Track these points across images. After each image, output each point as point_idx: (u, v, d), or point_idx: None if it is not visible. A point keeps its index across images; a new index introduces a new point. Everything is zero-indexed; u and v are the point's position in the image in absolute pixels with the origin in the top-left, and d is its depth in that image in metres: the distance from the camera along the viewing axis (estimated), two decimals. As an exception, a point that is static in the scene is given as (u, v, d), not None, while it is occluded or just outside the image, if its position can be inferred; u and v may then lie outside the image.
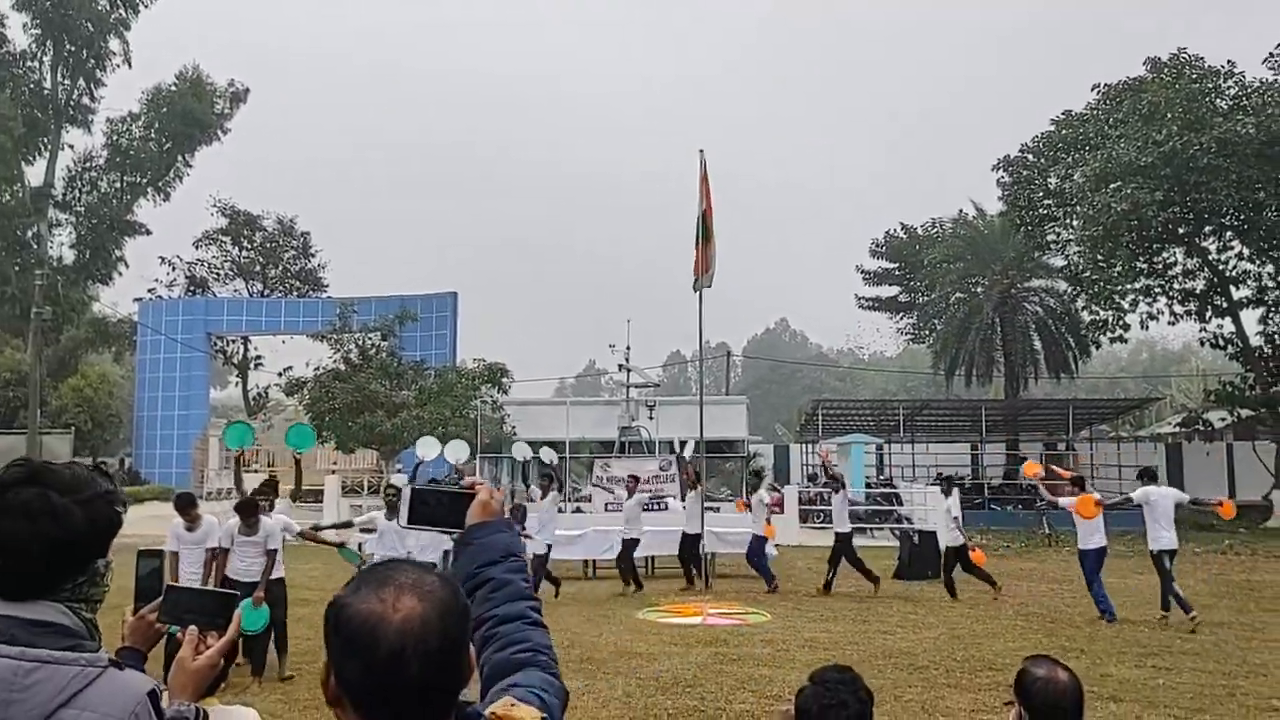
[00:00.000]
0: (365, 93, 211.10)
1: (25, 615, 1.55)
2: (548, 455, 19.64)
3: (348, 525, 11.63)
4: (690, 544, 15.41)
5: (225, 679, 3.19)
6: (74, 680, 1.50)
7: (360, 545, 11.28)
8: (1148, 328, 32.44)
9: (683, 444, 22.46)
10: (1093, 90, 29.48)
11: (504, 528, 1.84)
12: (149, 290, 46.81)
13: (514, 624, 1.70)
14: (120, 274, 43.40)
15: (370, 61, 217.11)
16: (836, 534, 15.27)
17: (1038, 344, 36.99)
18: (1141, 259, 28.92)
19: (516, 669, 1.63)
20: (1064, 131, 29.56)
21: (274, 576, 8.85)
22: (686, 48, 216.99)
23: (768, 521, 16.04)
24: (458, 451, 15.95)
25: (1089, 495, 13.05)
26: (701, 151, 12.75)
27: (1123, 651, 10.27)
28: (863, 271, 44.18)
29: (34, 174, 40.22)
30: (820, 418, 32.46)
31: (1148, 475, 13.56)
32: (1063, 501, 13.29)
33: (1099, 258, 27.62)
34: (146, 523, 20.12)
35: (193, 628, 1.85)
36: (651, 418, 30.14)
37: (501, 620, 1.70)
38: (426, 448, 15.50)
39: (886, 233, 42.95)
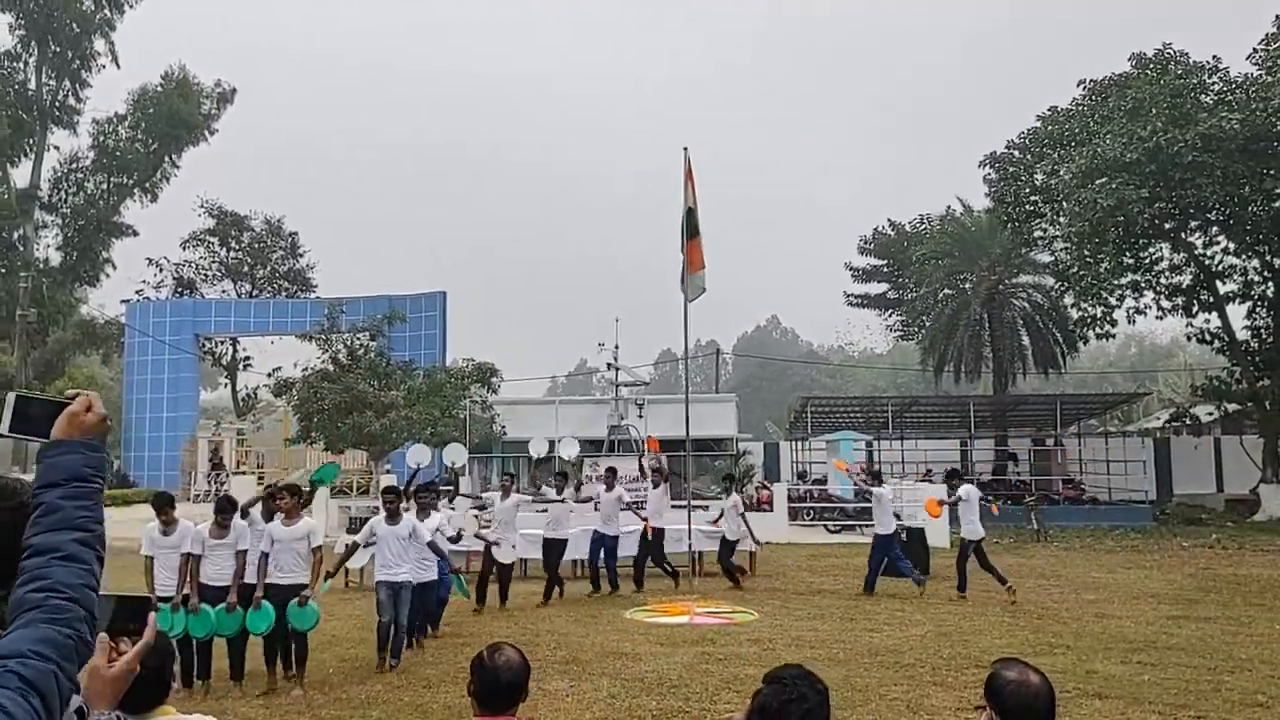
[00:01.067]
0: (357, 93, 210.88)
1: None
2: (429, 454, 18.15)
3: (354, 551, 10.81)
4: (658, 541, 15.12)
5: (168, 688, 3.12)
6: None
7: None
8: (1135, 323, 32.60)
9: (553, 443, 19.44)
10: (1078, 86, 29.57)
11: (81, 449, 1.66)
12: (136, 292, 46.65)
13: (43, 558, 1.56)
14: (108, 275, 43.37)
15: (362, 62, 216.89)
16: (653, 529, 14.82)
17: (1025, 340, 37.09)
18: (1128, 254, 29.01)
19: (26, 610, 1.51)
20: (1050, 128, 29.62)
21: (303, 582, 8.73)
22: (679, 49, 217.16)
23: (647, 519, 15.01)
24: (455, 454, 15.41)
25: (932, 498, 15.03)
26: (686, 149, 12.73)
27: (1109, 647, 10.29)
28: (851, 269, 44.25)
29: (19, 175, 40.14)
30: (809, 415, 32.46)
31: (956, 476, 15.37)
32: (875, 491, 14.72)
33: (1085, 254, 27.71)
34: (134, 525, 20.06)
35: (103, 634, 1.75)
36: (641, 416, 30.14)
37: (35, 551, 1.57)
38: (419, 455, 15.09)
39: (875, 230, 43.02)
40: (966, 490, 14.36)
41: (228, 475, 33.60)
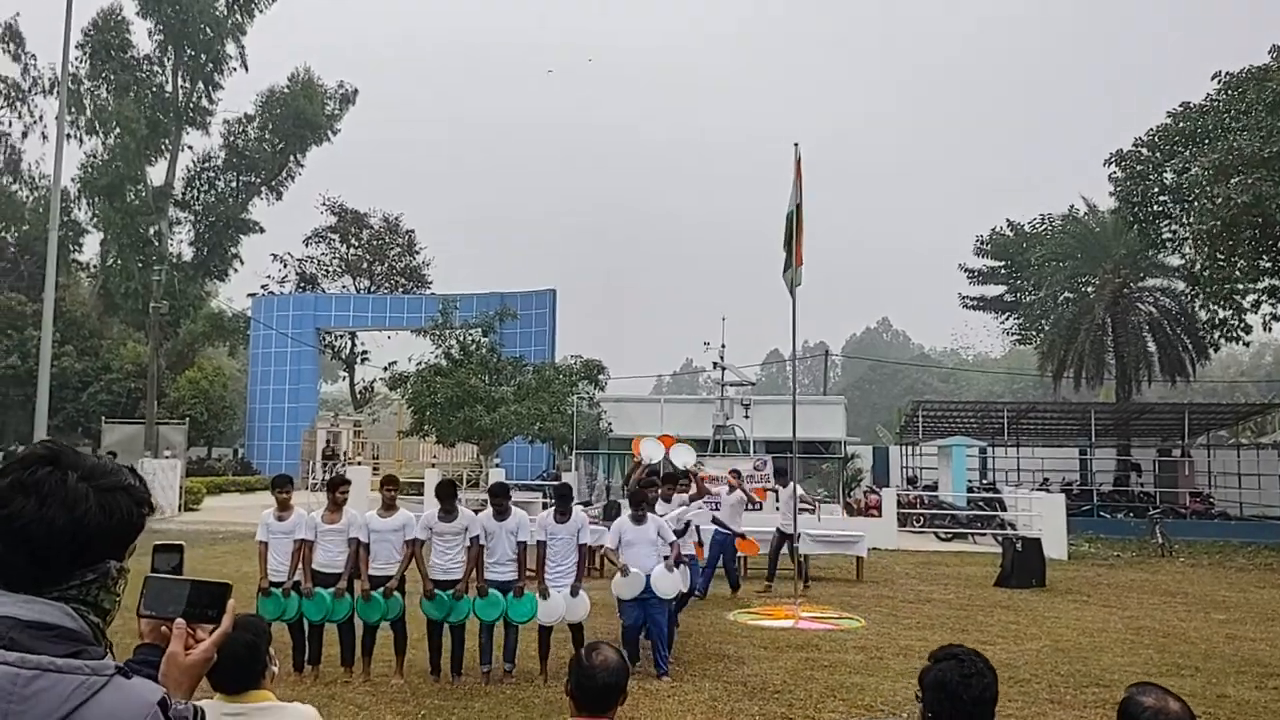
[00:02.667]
0: (452, 84, 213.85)
1: (26, 617, 1.44)
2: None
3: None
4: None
5: (264, 669, 3.14)
6: (78, 690, 1.40)
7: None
8: (1270, 329, 30.84)
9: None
10: (1213, 80, 28.11)
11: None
12: (262, 286, 48.55)
13: None
14: (235, 270, 44.91)
15: (454, 47, 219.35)
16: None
17: (1152, 346, 35.53)
18: (1266, 257, 27.48)
19: None
20: (1181, 124, 28.25)
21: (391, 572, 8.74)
22: (792, 39, 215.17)
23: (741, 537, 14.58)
24: (684, 455, 14.64)
25: (760, 486, 16.61)
26: (796, 144, 12.50)
27: (1241, 671, 9.74)
28: (967, 270, 43.05)
29: (156, 174, 41.85)
30: (921, 419, 31.75)
31: (783, 474, 16.09)
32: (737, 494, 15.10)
33: (1218, 255, 26.35)
34: (255, 512, 20.78)
35: (180, 620, 1.71)
36: (747, 417, 29.88)
37: None
38: (652, 449, 14.62)
39: (993, 230, 41.75)
40: (792, 488, 14.86)
41: (344, 464, 34.55)
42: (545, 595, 8.68)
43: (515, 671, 8.82)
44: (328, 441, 38.82)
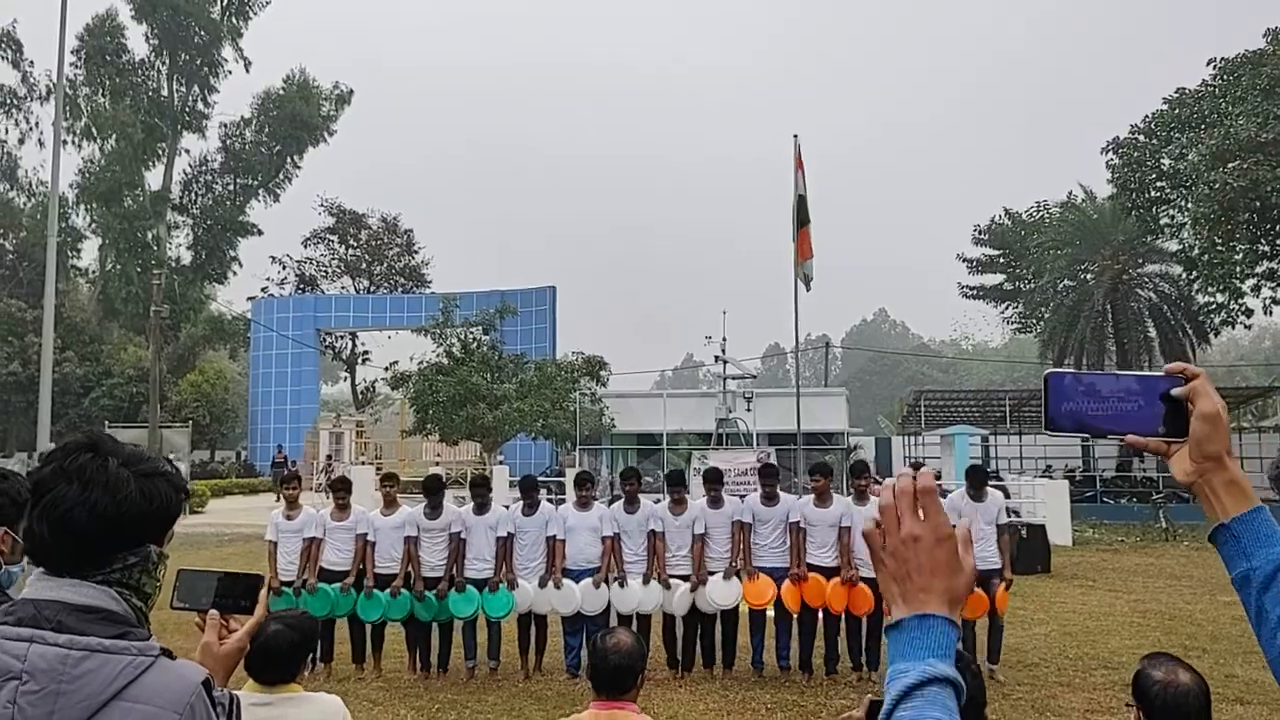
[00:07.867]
0: (460, 94, 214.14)
1: (73, 600, 1.48)
2: None
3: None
4: None
5: (303, 665, 3.22)
6: (125, 670, 1.44)
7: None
8: (1271, 313, 30.87)
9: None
10: (1208, 65, 28.13)
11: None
12: (261, 289, 48.59)
13: None
14: (234, 273, 45.07)
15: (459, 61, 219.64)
16: None
17: (1152, 331, 35.58)
18: (1264, 241, 27.52)
19: None
20: (1177, 110, 28.27)
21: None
22: (782, 30, 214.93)
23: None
24: None
25: None
26: (796, 136, 12.55)
27: (1249, 651, 9.77)
28: (965, 259, 43.06)
29: (153, 178, 41.94)
30: (923, 409, 31.79)
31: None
32: None
33: (1216, 240, 26.37)
34: (260, 513, 20.83)
35: (214, 611, 1.79)
36: (749, 410, 29.91)
37: None
38: None
39: (991, 219, 41.77)
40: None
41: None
42: (513, 586, 8.52)
43: (536, 669, 8.81)
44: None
